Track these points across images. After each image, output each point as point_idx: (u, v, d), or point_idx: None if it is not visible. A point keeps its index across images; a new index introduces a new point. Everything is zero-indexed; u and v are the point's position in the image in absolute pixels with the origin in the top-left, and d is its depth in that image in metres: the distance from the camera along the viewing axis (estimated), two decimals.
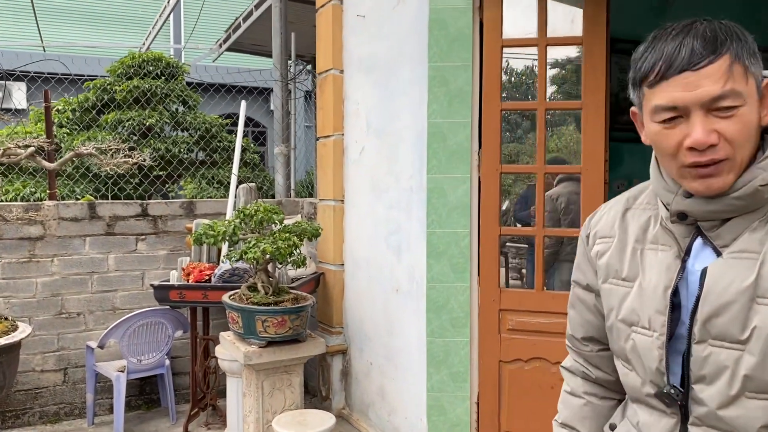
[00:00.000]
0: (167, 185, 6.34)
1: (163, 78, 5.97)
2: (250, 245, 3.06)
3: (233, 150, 5.76)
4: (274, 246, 3.02)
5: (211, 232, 3.15)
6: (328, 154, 4.43)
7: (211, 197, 5.83)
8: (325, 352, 3.36)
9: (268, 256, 3.07)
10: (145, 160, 3.88)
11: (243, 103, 4.72)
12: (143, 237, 4.58)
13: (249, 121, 8.30)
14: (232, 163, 4.67)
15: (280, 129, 5.64)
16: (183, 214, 4.70)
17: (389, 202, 3.84)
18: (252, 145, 6.60)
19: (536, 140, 3.44)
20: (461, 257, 3.52)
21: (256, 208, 3.28)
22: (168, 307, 4.12)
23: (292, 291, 3.41)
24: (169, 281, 4.12)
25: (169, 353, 4.36)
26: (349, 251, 4.33)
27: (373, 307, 4.03)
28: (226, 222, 3.26)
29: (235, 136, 5.21)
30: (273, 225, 3.26)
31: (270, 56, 5.87)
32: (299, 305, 3.15)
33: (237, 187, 4.36)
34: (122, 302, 4.57)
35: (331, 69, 4.37)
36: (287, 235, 3.15)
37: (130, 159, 3.80)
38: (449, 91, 3.48)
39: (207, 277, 4.02)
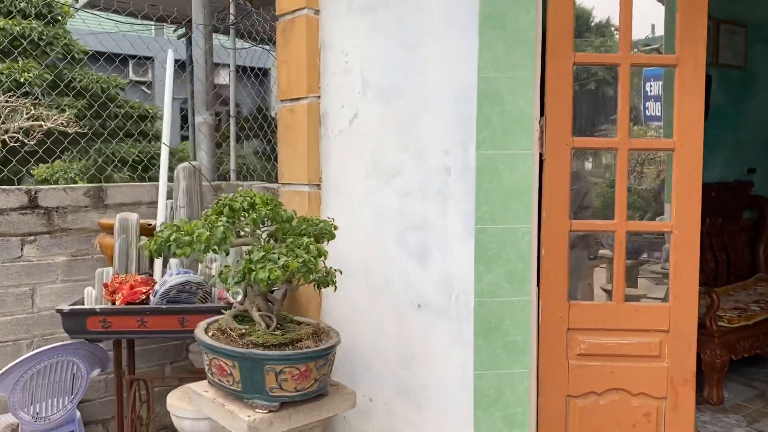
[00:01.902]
0: (37, 165, 4.85)
1: (40, 20, 4.47)
2: (256, 258, 1.96)
3: (138, 119, 4.44)
4: (300, 260, 1.95)
5: (186, 238, 2.01)
6: (298, 123, 3.34)
7: (113, 181, 4.47)
8: (354, 406, 2.34)
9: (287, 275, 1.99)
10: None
11: (170, 52, 3.48)
12: (32, 238, 3.24)
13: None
14: (137, 135, 3.42)
15: (204, 90, 4.40)
16: (89, 204, 3.40)
17: (404, 188, 2.86)
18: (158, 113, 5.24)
19: (618, 106, 2.61)
20: (520, 262, 2.63)
21: (248, 198, 2.17)
22: (83, 340, 2.87)
23: (297, 319, 2.35)
24: (83, 303, 2.86)
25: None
26: (332, 255, 3.28)
27: (375, 329, 3.04)
28: (203, 222, 2.12)
29: (143, 102, 3.92)
30: (261, 224, 2.16)
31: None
32: (328, 345, 2.10)
33: (170, 165, 3.16)
34: (2, 332, 3.21)
35: (302, 8, 3.27)
36: (305, 240, 2.08)
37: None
38: (507, 35, 2.54)
39: (143, 297, 2.82)
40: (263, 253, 2.02)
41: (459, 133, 2.61)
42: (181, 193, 3.12)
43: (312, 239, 2.12)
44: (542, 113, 2.60)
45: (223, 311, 2.35)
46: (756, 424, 4.13)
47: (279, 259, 1.96)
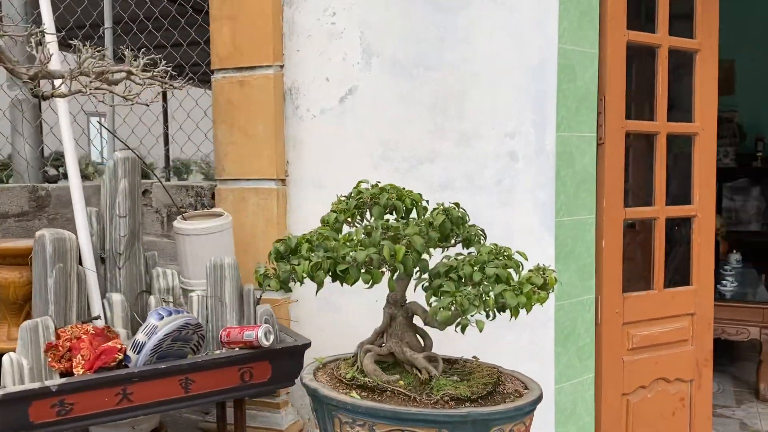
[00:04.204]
0: None
1: None
2: (474, 284, 1.36)
3: None
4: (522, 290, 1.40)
5: (377, 256, 1.29)
6: (256, 100, 2.55)
7: None
8: None
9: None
10: None
11: None
12: None
13: None
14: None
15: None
16: None
17: (440, 179, 2.37)
18: None
19: (656, 88, 2.54)
20: (588, 256, 2.40)
21: (401, 196, 1.51)
22: None
23: (458, 360, 1.75)
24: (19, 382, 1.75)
25: None
26: None
27: None
28: (358, 235, 1.41)
29: None
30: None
31: None
32: (538, 392, 1.57)
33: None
34: None
35: None
36: (497, 248, 1.51)
37: None
38: (579, 3, 2.27)
39: (120, 356, 1.84)
40: (471, 267, 1.41)
41: (532, 113, 2.24)
42: (122, 196, 2.10)
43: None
44: (599, 94, 2.39)
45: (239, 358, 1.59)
46: None
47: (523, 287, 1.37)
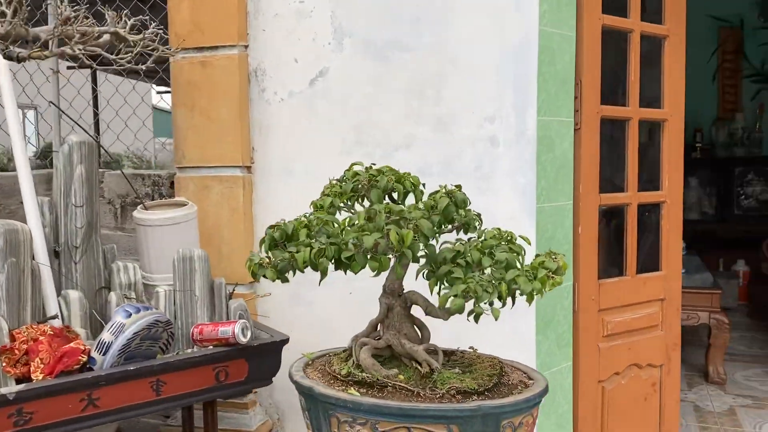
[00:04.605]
0: None
1: None
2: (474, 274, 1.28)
3: None
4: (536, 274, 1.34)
5: (383, 241, 1.20)
6: (219, 81, 2.40)
7: None
8: None
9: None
10: None
11: None
12: None
13: None
14: None
15: None
16: None
17: (417, 165, 2.26)
18: None
19: (628, 73, 2.53)
20: (567, 243, 2.37)
21: (400, 178, 1.41)
22: None
23: (455, 351, 1.66)
24: None
25: None
26: None
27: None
28: (362, 219, 1.30)
29: None
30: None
31: None
32: (540, 389, 1.50)
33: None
34: None
35: None
36: (500, 233, 1.44)
37: None
38: None
39: (84, 359, 1.68)
40: (478, 254, 1.33)
41: (512, 96, 2.18)
42: (78, 183, 1.91)
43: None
44: (576, 79, 2.35)
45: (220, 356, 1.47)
46: None
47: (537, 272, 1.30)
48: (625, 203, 2.56)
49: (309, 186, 2.39)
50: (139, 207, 2.16)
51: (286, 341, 1.96)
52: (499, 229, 1.46)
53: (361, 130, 2.34)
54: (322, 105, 2.37)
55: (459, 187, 1.45)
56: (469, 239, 1.47)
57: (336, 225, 1.31)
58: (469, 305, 1.35)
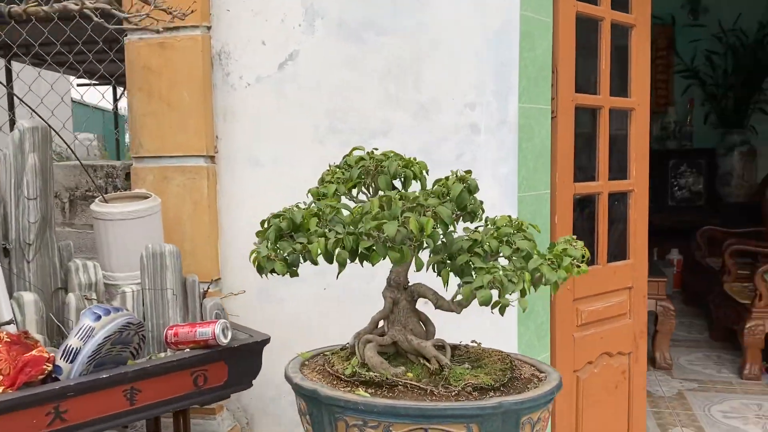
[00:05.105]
0: None
1: None
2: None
3: None
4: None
5: (402, 229, 1.10)
6: (181, 65, 2.24)
7: None
8: None
9: None
10: None
11: None
12: None
13: None
14: None
15: None
16: None
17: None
18: None
19: (599, 62, 2.53)
20: (545, 232, 2.34)
21: (409, 164, 1.32)
22: None
23: (458, 346, 1.58)
24: None
25: None
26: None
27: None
28: (375, 205, 1.20)
29: None
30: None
31: None
32: (556, 382, 1.44)
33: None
34: None
35: None
36: (511, 220, 1.37)
37: None
38: None
39: (48, 368, 1.51)
40: (496, 241, 1.26)
41: (494, 83, 2.12)
42: (31, 174, 1.71)
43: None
44: (552, 66, 2.32)
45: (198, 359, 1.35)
46: None
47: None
48: (597, 192, 2.56)
49: (278, 176, 2.30)
50: (97, 200, 1.97)
51: (267, 341, 1.84)
52: (509, 216, 1.40)
53: (336, 116, 2.23)
54: (293, 90, 2.25)
55: (469, 172, 1.37)
56: (476, 228, 1.40)
57: (349, 213, 1.20)
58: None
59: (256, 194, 2.31)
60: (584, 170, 2.58)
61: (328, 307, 2.26)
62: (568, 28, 2.33)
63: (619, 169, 2.67)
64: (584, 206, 2.64)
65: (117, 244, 1.91)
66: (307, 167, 2.24)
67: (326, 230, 1.16)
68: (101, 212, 1.91)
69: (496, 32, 2.11)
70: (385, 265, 2.23)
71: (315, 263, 1.20)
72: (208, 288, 1.91)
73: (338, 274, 1.22)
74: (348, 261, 1.18)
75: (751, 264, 5.12)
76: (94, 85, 6.78)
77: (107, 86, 6.26)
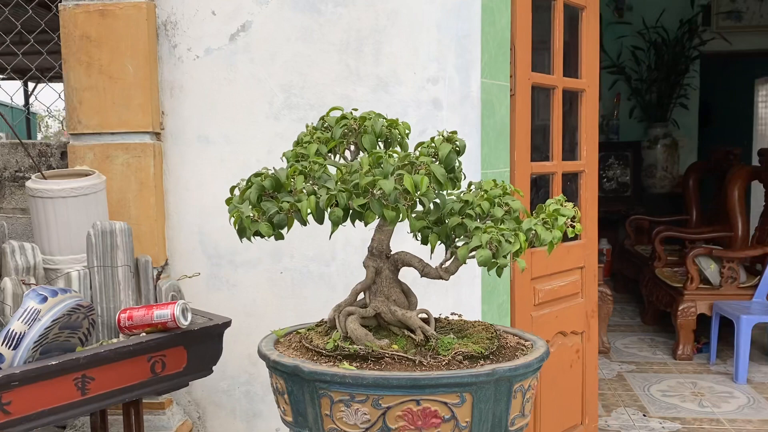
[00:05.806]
0: None
1: None
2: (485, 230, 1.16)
3: None
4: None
5: (399, 186, 1.04)
6: (123, 35, 2.08)
7: None
8: None
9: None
10: None
11: None
12: None
13: None
14: None
15: None
16: None
17: None
18: None
19: (552, 42, 2.53)
20: None
21: (393, 124, 1.25)
22: None
23: (439, 318, 1.51)
24: None
25: None
26: (199, 237, 2.19)
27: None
28: (368, 164, 1.13)
29: None
30: None
31: None
32: (544, 349, 1.41)
33: None
34: None
35: None
36: (496, 182, 1.32)
37: None
38: None
39: None
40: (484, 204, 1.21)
41: (455, 56, 2.08)
42: None
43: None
44: (510, 43, 2.30)
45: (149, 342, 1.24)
46: None
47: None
48: (552, 172, 2.56)
49: (230, 154, 2.18)
50: (34, 176, 1.80)
51: (228, 324, 1.72)
52: (494, 180, 1.35)
53: (291, 91, 2.13)
54: (245, 63, 2.13)
55: (455, 132, 1.31)
56: (460, 192, 1.35)
57: (338, 170, 1.12)
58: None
59: (205, 174, 2.18)
60: (538, 150, 2.58)
61: (283, 291, 2.16)
62: (524, 4, 2.32)
63: (570, 150, 2.69)
64: (540, 186, 2.64)
65: (58, 224, 1.75)
66: (261, 144, 2.15)
67: (315, 188, 1.07)
68: (39, 189, 1.74)
69: (456, 3, 2.07)
70: (347, 246, 2.16)
71: (304, 223, 1.11)
72: (162, 270, 1.78)
73: (330, 234, 1.13)
74: (342, 220, 1.10)
75: (679, 250, 5.35)
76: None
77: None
